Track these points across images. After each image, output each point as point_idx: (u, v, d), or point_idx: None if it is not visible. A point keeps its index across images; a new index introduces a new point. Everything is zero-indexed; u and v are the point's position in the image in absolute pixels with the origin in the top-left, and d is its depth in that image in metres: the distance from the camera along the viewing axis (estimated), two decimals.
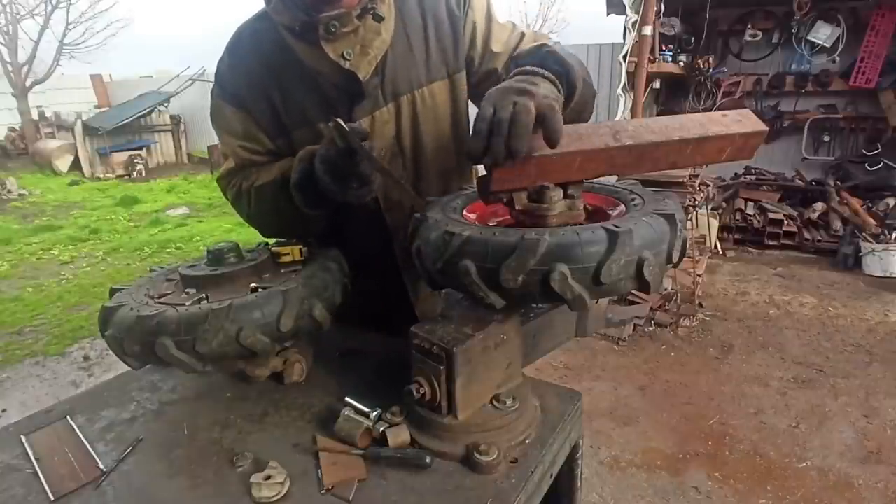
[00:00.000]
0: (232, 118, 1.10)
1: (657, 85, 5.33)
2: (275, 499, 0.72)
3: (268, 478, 0.74)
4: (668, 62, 5.21)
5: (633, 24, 4.49)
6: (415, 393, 0.79)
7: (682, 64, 5.51)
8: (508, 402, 0.83)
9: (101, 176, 10.30)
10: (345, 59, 0.99)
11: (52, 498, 0.76)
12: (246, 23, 1.11)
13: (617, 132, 0.80)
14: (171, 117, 11.58)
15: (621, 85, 4.71)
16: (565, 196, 0.82)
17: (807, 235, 5.34)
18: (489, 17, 1.12)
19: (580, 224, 0.81)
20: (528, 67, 0.85)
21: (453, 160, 1.18)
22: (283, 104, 1.07)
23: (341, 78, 1.02)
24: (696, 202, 3.91)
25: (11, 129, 11.84)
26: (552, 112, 0.72)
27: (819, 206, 5.38)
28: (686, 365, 3.36)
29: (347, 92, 1.04)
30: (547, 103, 0.73)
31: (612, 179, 0.99)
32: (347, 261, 1.09)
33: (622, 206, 0.89)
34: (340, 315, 1.03)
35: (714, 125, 0.86)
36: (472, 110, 0.97)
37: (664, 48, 5.25)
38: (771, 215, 5.39)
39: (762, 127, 0.90)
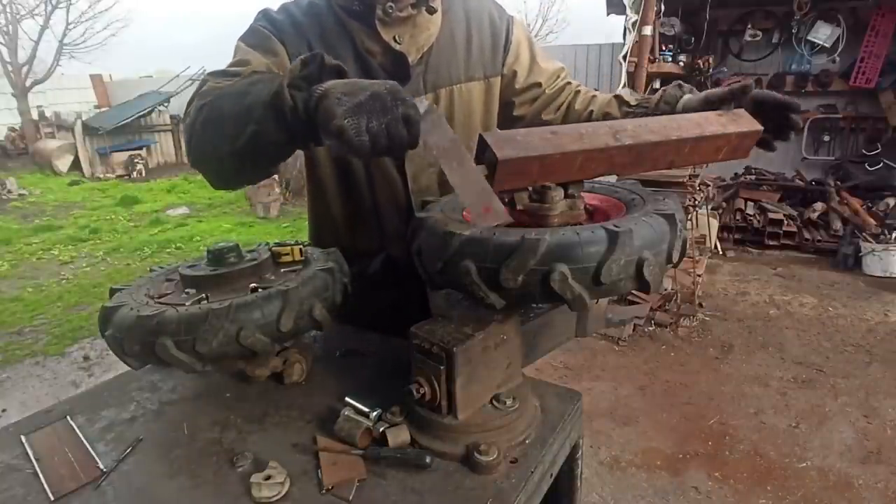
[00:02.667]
0: (275, 46, 1.04)
1: (657, 85, 5.33)
2: (275, 499, 0.72)
3: (268, 478, 0.74)
4: (668, 62, 5.21)
5: (633, 24, 4.49)
6: (415, 393, 0.79)
7: (682, 64, 5.51)
8: (508, 402, 0.83)
9: (101, 176, 10.30)
10: (396, 42, 1.06)
11: (52, 498, 0.75)
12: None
13: (617, 132, 0.80)
14: (171, 117, 11.58)
15: (621, 85, 4.70)
16: (566, 196, 0.82)
17: (807, 235, 5.34)
18: (530, 39, 1.25)
19: (580, 224, 0.81)
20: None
21: None
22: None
23: (390, 59, 1.08)
24: (696, 202, 3.91)
25: (11, 129, 11.84)
26: None
27: (819, 206, 5.38)
28: (686, 365, 3.36)
29: (393, 73, 1.08)
30: None
31: (612, 179, 0.99)
32: (368, 247, 1.10)
33: (622, 206, 0.89)
34: (356, 312, 1.04)
35: (710, 125, 0.87)
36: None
37: (664, 48, 5.25)
38: (771, 215, 5.39)
39: (757, 126, 0.91)
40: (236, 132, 0.80)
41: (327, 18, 1.08)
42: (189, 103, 0.93)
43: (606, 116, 1.19)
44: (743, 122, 0.91)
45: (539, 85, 1.23)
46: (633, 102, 1.17)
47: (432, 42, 1.10)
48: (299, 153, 1.04)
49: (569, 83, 1.27)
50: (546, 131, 0.77)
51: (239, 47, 1.06)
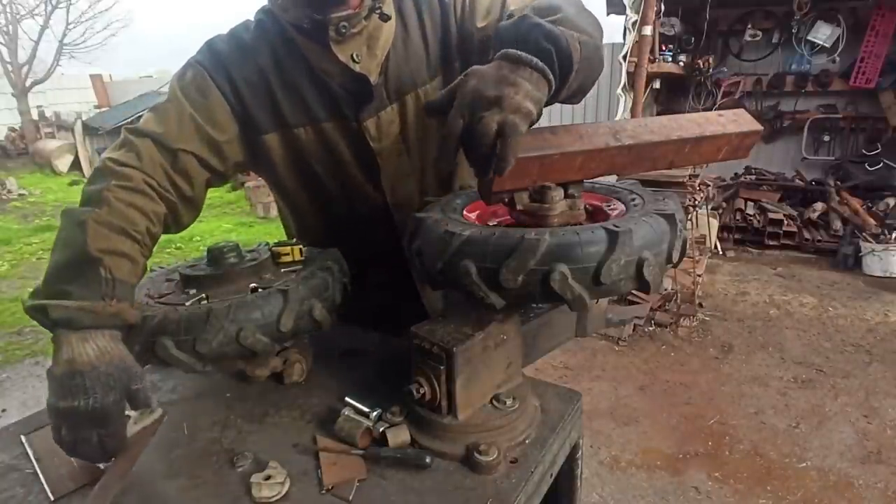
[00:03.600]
0: (208, 88, 0.99)
1: (657, 85, 5.33)
2: (275, 499, 0.72)
3: (268, 478, 0.74)
4: (668, 62, 5.21)
5: (633, 24, 4.49)
6: (415, 393, 0.79)
7: (682, 64, 5.51)
8: (508, 402, 0.83)
9: None
10: (354, 61, 0.99)
11: (52, 498, 0.76)
12: (253, 17, 1.07)
13: (617, 132, 0.80)
14: None
15: (621, 85, 4.70)
16: (566, 196, 0.82)
17: (807, 235, 5.34)
18: None
19: (580, 224, 0.81)
20: (512, 52, 0.72)
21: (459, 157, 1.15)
22: (286, 99, 1.03)
23: (350, 79, 1.01)
24: (696, 202, 3.91)
25: (11, 129, 11.84)
26: (513, 131, 0.65)
27: (819, 206, 5.38)
28: (686, 365, 3.36)
29: (354, 93, 1.03)
30: (511, 121, 0.66)
31: (612, 179, 0.99)
32: (356, 258, 1.07)
33: (622, 206, 0.89)
34: (349, 313, 1.03)
35: (710, 125, 0.87)
36: None
37: (664, 48, 5.25)
38: (771, 215, 5.39)
39: (757, 127, 0.91)
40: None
41: (277, 40, 1.02)
42: (94, 173, 0.91)
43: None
44: (743, 121, 0.91)
45: (489, 38, 1.01)
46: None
47: (388, 48, 1.03)
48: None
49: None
50: (545, 131, 0.77)
51: (170, 88, 1.01)
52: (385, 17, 1.00)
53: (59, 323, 0.74)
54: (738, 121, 0.90)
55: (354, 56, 0.99)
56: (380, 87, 1.04)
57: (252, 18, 1.07)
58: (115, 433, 0.74)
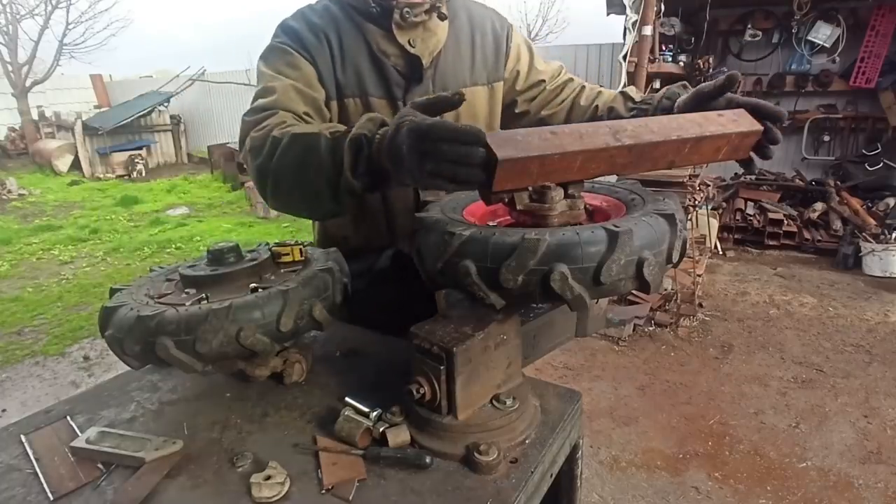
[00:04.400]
0: (297, 60, 1.10)
1: (657, 85, 5.33)
2: (275, 499, 0.72)
3: (268, 478, 0.74)
4: (668, 62, 5.20)
5: (633, 24, 4.49)
6: (415, 393, 0.79)
7: (682, 64, 5.51)
8: (508, 402, 0.83)
9: (101, 176, 10.30)
10: (411, 45, 1.11)
11: (52, 498, 0.76)
12: (314, 4, 1.19)
13: (617, 132, 0.80)
14: (171, 117, 11.58)
15: (621, 85, 4.70)
16: (566, 196, 0.82)
17: (807, 235, 5.34)
18: (529, 43, 1.32)
19: (580, 224, 0.81)
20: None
21: None
22: (343, 67, 1.12)
23: (405, 61, 1.13)
24: (696, 202, 3.91)
25: (11, 129, 11.84)
26: None
27: (819, 206, 5.38)
28: (686, 365, 3.36)
29: (407, 75, 1.14)
30: None
31: (613, 179, 0.99)
32: (380, 245, 1.11)
33: (622, 206, 0.89)
34: (359, 308, 1.04)
35: (711, 125, 0.86)
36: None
37: (664, 48, 5.25)
38: (771, 215, 5.39)
39: (757, 126, 0.90)
40: (309, 207, 0.97)
41: (343, 21, 1.13)
42: (248, 141, 1.00)
43: (611, 112, 1.20)
44: (743, 121, 0.91)
45: (542, 83, 1.27)
46: (637, 99, 1.19)
47: (441, 47, 1.16)
48: None
49: (571, 80, 1.30)
50: (546, 131, 0.77)
51: (262, 73, 1.10)
52: (443, 16, 1.14)
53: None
54: (738, 121, 0.90)
55: (411, 41, 1.11)
56: (428, 78, 1.15)
57: (315, 2, 1.20)
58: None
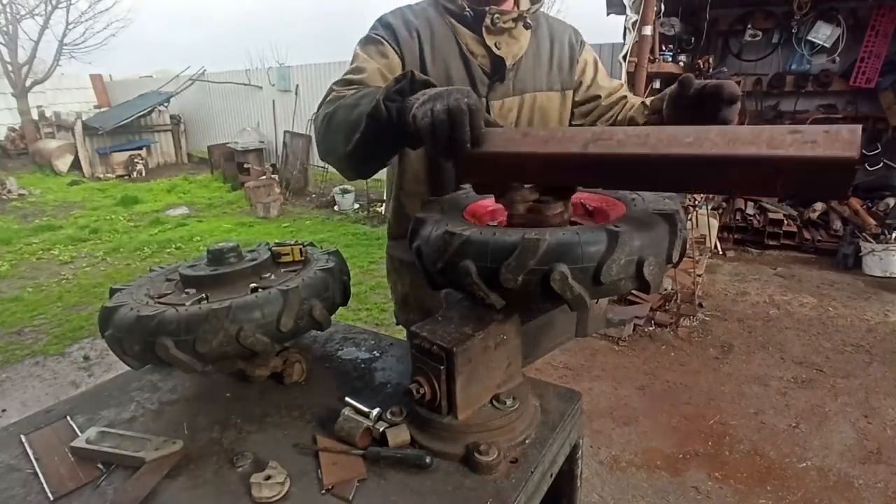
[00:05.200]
0: (386, 50, 1.22)
1: (657, 85, 5.33)
2: (275, 499, 0.72)
3: (268, 478, 0.74)
4: (668, 62, 5.20)
5: (633, 24, 4.49)
6: (415, 393, 0.79)
7: (682, 64, 5.50)
8: (508, 402, 0.83)
9: (101, 176, 10.30)
10: (497, 48, 1.23)
11: (52, 498, 0.76)
12: (412, 4, 1.32)
13: (592, 141, 0.71)
14: (171, 117, 11.58)
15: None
16: (538, 200, 0.82)
17: (807, 235, 5.33)
18: (596, 63, 1.42)
19: (577, 224, 0.81)
20: None
21: None
22: (433, 61, 1.23)
23: (491, 61, 1.25)
24: (696, 202, 3.91)
25: (11, 129, 11.84)
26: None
27: (819, 206, 5.38)
28: (686, 365, 3.36)
29: (491, 74, 1.25)
30: None
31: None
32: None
33: (622, 206, 0.89)
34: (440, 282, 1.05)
35: (754, 144, 0.62)
36: None
37: (664, 48, 5.24)
38: (771, 215, 5.38)
39: (846, 153, 0.57)
40: (348, 138, 0.97)
41: (437, 23, 1.25)
42: (319, 107, 1.15)
43: (630, 122, 1.29)
44: (826, 142, 0.59)
45: (597, 98, 1.37)
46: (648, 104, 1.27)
47: (523, 53, 1.27)
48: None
49: (624, 97, 1.39)
50: (520, 132, 0.77)
51: (357, 54, 1.23)
52: (528, 25, 1.27)
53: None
54: (817, 142, 0.59)
55: (497, 44, 1.23)
56: (509, 79, 1.27)
57: (416, 2, 1.32)
58: (470, 96, 0.79)
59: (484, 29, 1.22)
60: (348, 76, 1.19)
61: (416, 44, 1.24)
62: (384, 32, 1.24)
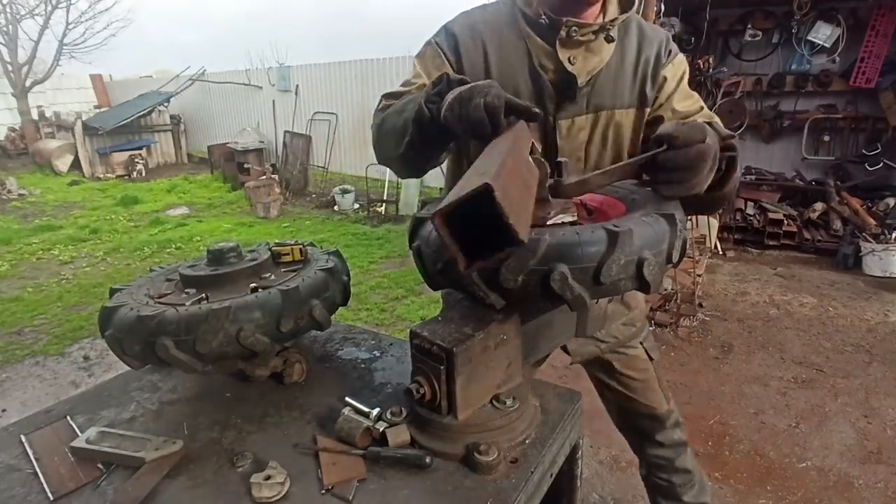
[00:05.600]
0: (443, 64, 1.17)
1: None
2: (275, 499, 0.72)
3: (268, 478, 0.74)
4: None
5: None
6: (415, 393, 0.79)
7: None
8: (508, 402, 0.83)
9: (101, 176, 10.30)
10: (570, 63, 1.10)
11: (52, 498, 0.76)
12: (488, 4, 1.22)
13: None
14: (171, 117, 11.58)
15: None
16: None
17: (807, 235, 5.33)
18: (681, 79, 1.23)
19: (580, 224, 0.81)
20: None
21: None
22: (498, 74, 1.14)
23: (561, 78, 1.12)
24: None
25: (11, 129, 11.84)
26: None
27: (819, 206, 5.37)
28: (686, 365, 3.36)
29: (561, 92, 1.14)
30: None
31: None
32: None
33: (622, 206, 0.89)
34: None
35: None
36: None
37: None
38: (771, 215, 5.38)
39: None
40: (397, 143, 1.00)
41: (509, 30, 1.15)
42: (374, 116, 1.16)
43: None
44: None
45: (660, 120, 1.19)
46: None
47: (601, 67, 1.14)
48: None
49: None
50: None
51: (414, 65, 1.21)
52: (610, 39, 1.12)
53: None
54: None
55: (571, 59, 1.10)
56: (583, 96, 1.14)
57: (488, 2, 1.22)
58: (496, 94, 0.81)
59: (558, 41, 1.09)
60: (399, 89, 1.18)
61: (480, 54, 1.15)
62: (445, 43, 1.17)
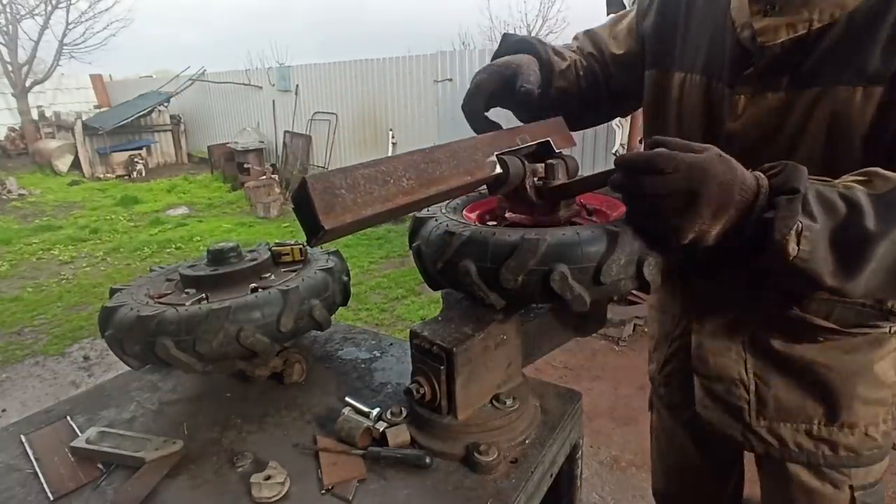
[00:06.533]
0: (624, 14, 1.10)
1: None
2: (275, 499, 0.72)
3: (268, 478, 0.74)
4: None
5: None
6: (415, 393, 0.79)
7: None
8: (508, 402, 0.83)
9: (101, 176, 10.30)
10: (765, 14, 0.75)
11: (52, 498, 0.76)
12: None
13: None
14: (171, 117, 11.58)
15: None
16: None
17: None
18: None
19: (580, 224, 0.81)
20: None
21: None
22: (695, 20, 0.89)
23: (750, 37, 0.78)
24: None
25: (11, 129, 11.84)
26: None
27: None
28: None
29: (735, 60, 0.80)
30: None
31: None
32: None
33: (622, 206, 0.89)
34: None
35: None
36: None
37: None
38: None
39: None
40: None
41: None
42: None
43: None
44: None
45: None
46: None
47: (839, 15, 0.71)
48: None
49: None
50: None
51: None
52: None
53: None
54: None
55: (768, 8, 0.75)
56: (785, 63, 0.75)
57: None
58: None
59: None
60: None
61: (672, 14, 0.92)
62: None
